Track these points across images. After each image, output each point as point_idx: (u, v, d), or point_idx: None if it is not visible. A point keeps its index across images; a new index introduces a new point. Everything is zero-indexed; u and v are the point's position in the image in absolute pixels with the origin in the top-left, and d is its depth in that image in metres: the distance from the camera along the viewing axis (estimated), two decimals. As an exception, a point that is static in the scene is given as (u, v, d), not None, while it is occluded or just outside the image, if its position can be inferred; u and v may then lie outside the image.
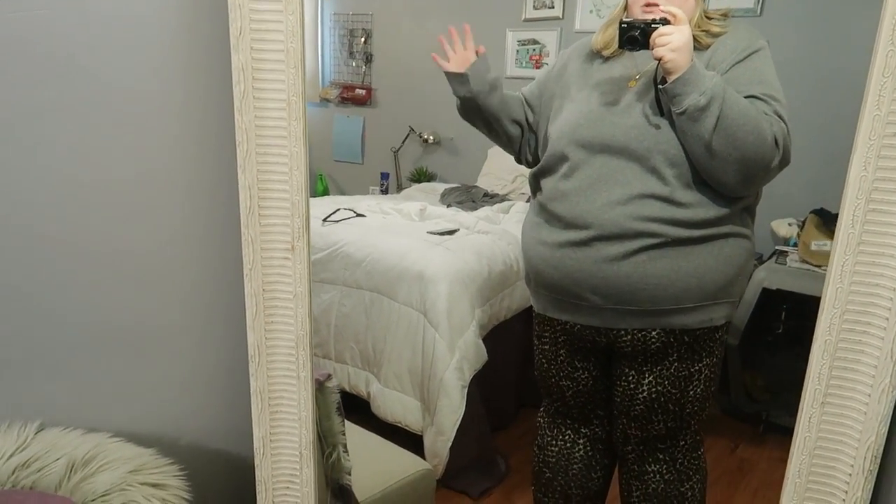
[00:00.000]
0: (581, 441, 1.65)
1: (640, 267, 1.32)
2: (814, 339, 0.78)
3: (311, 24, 4.58)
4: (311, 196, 4.37)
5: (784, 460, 0.91)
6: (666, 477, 1.53)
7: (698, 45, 1.32)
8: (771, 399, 2.61)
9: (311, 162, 4.36)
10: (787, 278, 2.46)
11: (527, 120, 1.61)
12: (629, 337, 1.41)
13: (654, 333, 1.38)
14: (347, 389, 2.41)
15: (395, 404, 2.26)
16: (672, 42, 1.20)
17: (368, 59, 4.46)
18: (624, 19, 1.28)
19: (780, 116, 1.29)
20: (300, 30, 0.81)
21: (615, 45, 1.37)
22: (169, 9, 0.87)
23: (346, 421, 1.35)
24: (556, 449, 1.68)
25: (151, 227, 0.94)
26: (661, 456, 1.53)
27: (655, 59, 1.23)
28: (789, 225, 2.81)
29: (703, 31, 1.35)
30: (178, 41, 0.90)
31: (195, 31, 0.89)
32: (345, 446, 1.33)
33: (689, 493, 1.55)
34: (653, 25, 1.23)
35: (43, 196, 0.89)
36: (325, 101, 4.65)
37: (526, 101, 1.62)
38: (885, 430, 0.77)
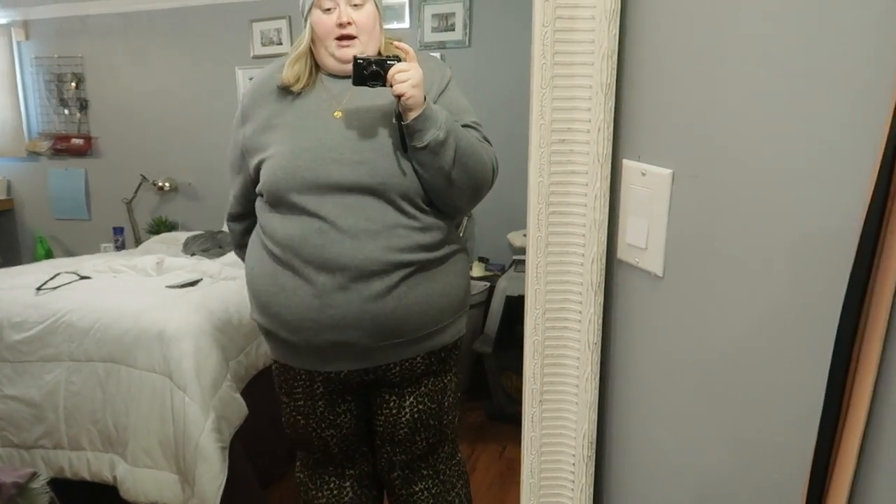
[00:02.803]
0: (348, 484, 1.60)
1: (402, 298, 1.31)
2: (524, 342, 0.81)
3: (8, 70, 4.02)
4: (31, 261, 3.82)
5: None
6: (433, 491, 1.55)
7: None
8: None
9: (26, 223, 3.83)
10: (524, 284, 2.68)
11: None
12: (398, 368, 1.40)
13: (419, 359, 1.42)
14: (88, 478, 2.10)
15: (147, 483, 2.02)
16: (412, 78, 1.22)
17: (83, 105, 4.04)
18: (358, 56, 1.26)
19: (487, 140, 1.42)
20: None
21: (304, 79, 1.37)
22: None
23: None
24: (324, 500, 1.61)
25: None
26: (425, 472, 1.54)
27: (396, 95, 1.23)
28: (524, 236, 3.06)
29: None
30: None
31: None
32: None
33: (457, 500, 1.59)
34: (388, 62, 1.25)
35: None
36: (34, 154, 4.10)
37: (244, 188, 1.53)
38: (594, 415, 0.82)
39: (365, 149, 1.30)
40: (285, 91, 1.38)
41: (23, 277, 2.48)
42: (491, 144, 1.43)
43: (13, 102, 4.05)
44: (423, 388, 1.45)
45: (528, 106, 0.75)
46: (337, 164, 1.29)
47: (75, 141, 4.04)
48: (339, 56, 1.33)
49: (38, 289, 2.33)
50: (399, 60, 1.26)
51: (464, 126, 1.36)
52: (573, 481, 0.83)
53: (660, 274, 0.74)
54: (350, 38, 1.33)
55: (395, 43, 1.35)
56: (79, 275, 2.50)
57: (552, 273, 0.80)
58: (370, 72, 1.24)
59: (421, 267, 1.33)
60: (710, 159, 0.67)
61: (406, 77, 1.22)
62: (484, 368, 2.75)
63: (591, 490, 0.84)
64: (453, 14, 3.19)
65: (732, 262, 0.64)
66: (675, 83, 0.70)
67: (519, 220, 3.06)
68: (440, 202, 1.36)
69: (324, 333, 1.31)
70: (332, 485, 1.60)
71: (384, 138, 1.31)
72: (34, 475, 1.05)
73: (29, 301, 2.24)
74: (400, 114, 1.27)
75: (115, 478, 2.05)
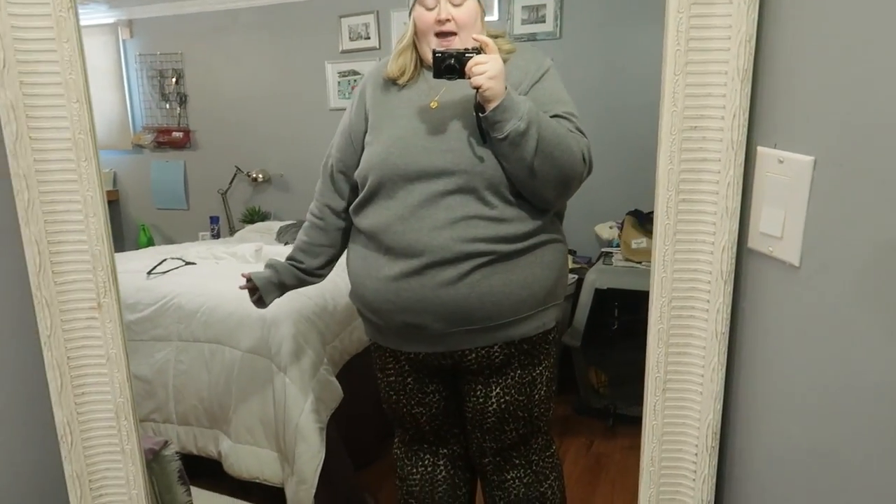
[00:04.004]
0: (441, 463, 1.63)
1: (475, 287, 1.33)
2: (648, 330, 0.81)
3: (115, 68, 4.27)
4: (134, 248, 4.06)
5: (634, 448, 0.94)
6: (525, 481, 1.56)
7: None
8: (616, 392, 2.77)
9: (130, 212, 4.07)
10: (614, 277, 2.64)
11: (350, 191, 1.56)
12: (473, 355, 1.42)
13: (496, 348, 1.41)
14: (195, 452, 2.21)
15: (249, 459, 2.11)
16: (489, 70, 1.23)
17: (183, 100, 4.23)
18: (437, 49, 1.29)
19: (581, 132, 1.38)
20: (79, 59, 0.72)
21: (409, 72, 1.41)
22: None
23: (192, 489, 1.23)
24: (418, 477, 1.65)
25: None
26: (517, 461, 1.55)
27: (473, 87, 1.24)
28: (610, 228, 3.02)
29: (503, 51, 1.42)
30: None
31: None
32: (191, 518, 1.20)
33: (549, 493, 1.58)
34: (467, 55, 1.26)
35: None
36: (138, 147, 4.34)
37: (342, 172, 1.55)
38: (720, 406, 0.81)
39: (452, 138, 1.33)
40: (392, 83, 1.44)
41: (132, 263, 2.63)
42: (585, 136, 1.39)
43: (120, 98, 4.30)
44: (509, 380, 1.46)
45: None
46: (425, 152, 1.33)
47: (175, 134, 4.24)
48: (475, 39, 1.35)
49: (149, 273, 2.47)
50: (479, 52, 1.27)
51: (554, 116, 1.34)
52: (695, 472, 0.82)
53: (796, 264, 0.72)
54: (449, 34, 1.36)
55: (475, 35, 1.34)
56: (184, 261, 2.64)
57: (679, 262, 0.79)
58: (446, 65, 1.27)
59: (499, 257, 1.34)
60: (857, 147, 0.65)
61: (483, 69, 1.23)
62: (572, 361, 2.73)
63: (714, 481, 0.83)
64: (544, 5, 3.16)
65: (877, 254, 0.62)
66: (820, 68, 0.68)
67: (605, 212, 3.04)
68: (527, 193, 1.34)
69: (400, 315, 1.38)
70: (426, 462, 1.64)
71: (472, 129, 1.33)
72: (166, 443, 1.12)
73: (141, 284, 2.38)
74: (481, 107, 1.27)
75: (219, 453, 2.16)
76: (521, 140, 1.25)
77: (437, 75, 1.29)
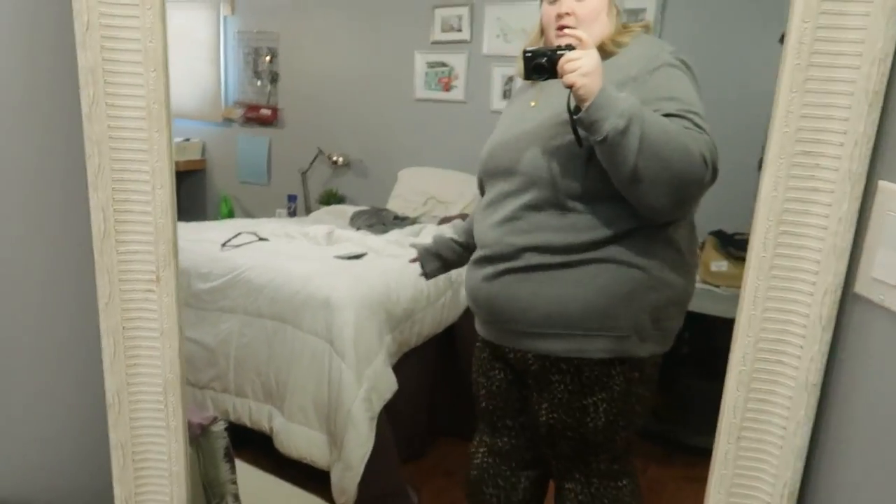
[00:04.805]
0: (491, 459, 1.62)
1: (505, 288, 1.33)
2: (728, 369, 0.74)
3: (213, 42, 4.40)
4: (216, 218, 4.19)
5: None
6: (580, 498, 1.49)
7: (602, 53, 1.28)
8: (677, 418, 2.64)
9: (215, 184, 4.18)
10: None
11: None
12: (512, 355, 1.43)
13: (530, 356, 1.38)
14: (248, 425, 2.25)
15: (299, 439, 2.12)
16: (582, 67, 1.14)
17: (274, 78, 4.32)
18: (527, 48, 1.23)
19: (701, 129, 1.24)
20: (161, 27, 0.70)
21: None
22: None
23: (239, 462, 1.23)
24: (478, 460, 1.65)
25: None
26: (577, 475, 1.49)
27: (566, 86, 1.17)
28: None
29: (613, 42, 1.33)
30: (15, 35, 0.76)
31: (36, 25, 0.77)
32: (235, 496, 1.20)
33: None
34: (559, 52, 1.18)
35: None
36: (228, 120, 4.46)
37: None
38: (801, 465, 0.73)
39: (530, 137, 1.31)
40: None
41: (210, 233, 2.70)
42: (709, 136, 1.24)
43: (215, 72, 4.43)
44: (556, 399, 1.39)
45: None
46: (506, 150, 1.35)
47: (264, 111, 4.34)
48: (569, 35, 1.29)
49: (223, 245, 2.52)
50: (572, 49, 1.19)
51: (666, 115, 1.22)
52: (764, 531, 0.75)
53: (911, 317, 0.63)
54: (568, 27, 1.31)
55: (568, 31, 1.28)
56: (258, 236, 2.68)
57: (773, 300, 0.71)
58: (535, 64, 1.21)
59: (535, 267, 1.29)
60: None
61: (576, 66, 1.15)
62: (634, 381, 2.63)
63: (784, 545, 0.75)
64: (644, 9, 3.04)
65: None
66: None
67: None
68: (635, 203, 1.22)
69: (469, 299, 1.48)
70: (480, 451, 1.64)
71: (552, 129, 1.29)
72: (215, 419, 1.12)
73: (215, 255, 2.43)
74: (576, 107, 1.19)
75: (271, 429, 2.18)
76: (620, 139, 1.13)
77: (527, 76, 1.24)
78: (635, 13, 3.07)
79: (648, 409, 1.44)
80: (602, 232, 1.26)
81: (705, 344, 2.57)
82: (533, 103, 1.34)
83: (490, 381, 1.54)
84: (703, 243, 2.68)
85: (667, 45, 1.36)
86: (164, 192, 0.75)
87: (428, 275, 1.70)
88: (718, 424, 0.75)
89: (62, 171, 0.81)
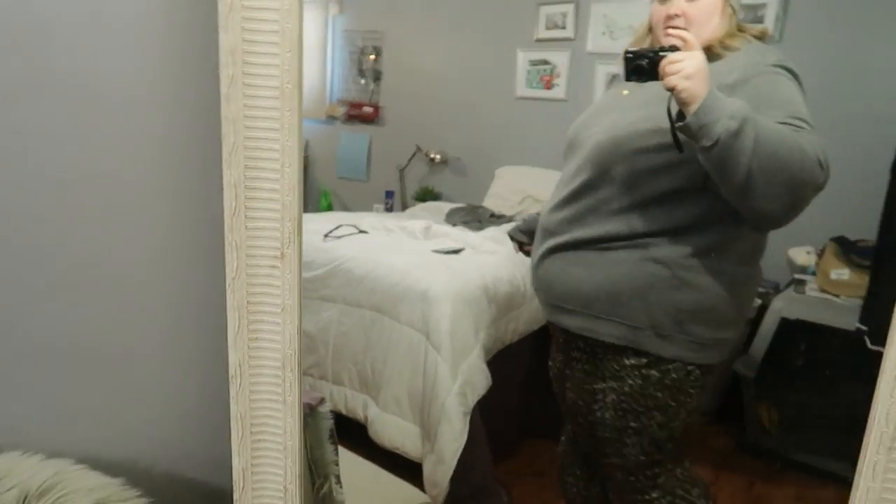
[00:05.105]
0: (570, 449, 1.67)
1: (548, 264, 1.40)
2: (880, 374, 0.68)
3: (320, 41, 4.54)
4: (315, 211, 4.33)
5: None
6: (609, 497, 1.54)
7: (708, 55, 1.26)
8: (787, 434, 2.48)
9: (316, 178, 4.32)
10: (806, 308, 2.36)
11: None
12: (559, 331, 1.48)
13: (579, 340, 1.42)
14: (344, 413, 2.30)
15: (393, 430, 2.15)
16: (685, 69, 1.09)
17: (377, 76, 4.41)
18: (629, 48, 1.20)
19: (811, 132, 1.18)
20: (297, 9, 0.72)
21: None
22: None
23: (339, 448, 1.24)
24: (561, 448, 1.70)
25: (120, 228, 0.84)
26: (617, 475, 1.46)
27: (667, 89, 1.12)
28: (807, 253, 2.70)
29: (722, 44, 1.29)
30: (156, 17, 0.80)
31: (177, 6, 0.80)
32: (338, 477, 1.22)
33: None
34: (661, 53, 1.14)
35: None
36: (331, 118, 4.59)
37: None
38: (962, 483, 0.66)
39: (609, 123, 1.32)
40: None
41: (312, 224, 2.78)
42: (818, 137, 1.16)
43: (321, 70, 4.57)
44: (575, 378, 1.45)
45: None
46: (583, 131, 1.38)
47: (366, 109, 4.44)
48: (673, 35, 1.25)
49: (326, 236, 2.59)
50: (676, 50, 1.14)
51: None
52: (914, 556, 0.68)
53: None
54: (677, 27, 1.27)
55: (671, 31, 1.23)
56: (358, 228, 2.74)
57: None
58: (634, 66, 1.17)
59: (568, 245, 1.35)
60: None
61: (677, 68, 1.09)
62: (739, 391, 2.50)
63: (936, 573, 0.68)
64: (764, 5, 2.88)
65: None
66: None
67: (803, 235, 2.72)
68: (743, 208, 1.16)
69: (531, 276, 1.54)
70: (562, 439, 1.70)
71: (631, 116, 1.29)
72: (322, 400, 1.14)
73: (318, 245, 2.50)
74: (679, 113, 1.13)
75: (366, 418, 2.22)
76: (733, 141, 1.06)
77: (627, 77, 1.20)
78: (754, 9, 2.92)
79: (678, 427, 1.35)
80: (639, 225, 1.27)
81: (822, 356, 2.41)
82: (626, 92, 1.33)
83: (554, 363, 1.59)
84: (823, 250, 2.52)
85: (775, 52, 1.29)
86: (292, 171, 0.77)
87: (522, 245, 1.70)
88: (867, 432, 0.69)
89: (197, 149, 0.85)
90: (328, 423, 1.20)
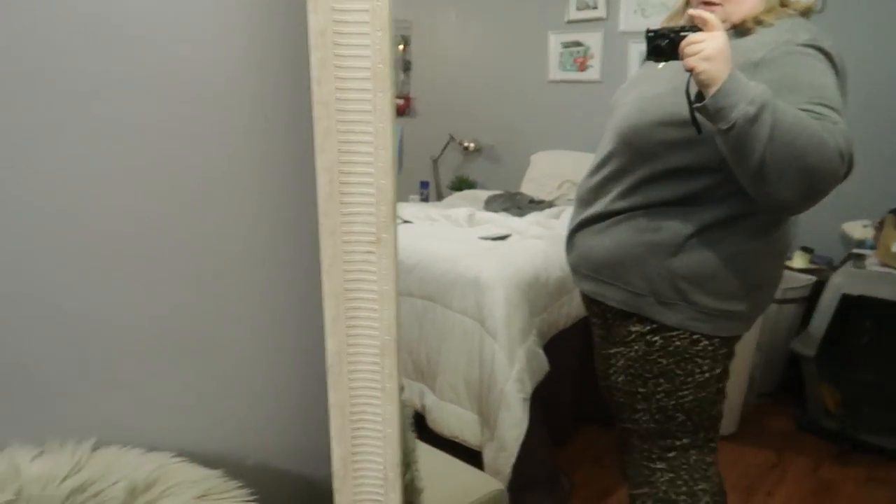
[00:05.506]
0: None
1: (573, 236, 1.46)
2: None
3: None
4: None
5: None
6: (623, 460, 1.57)
7: (740, 32, 1.25)
8: (850, 414, 2.42)
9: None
10: (867, 284, 2.29)
11: None
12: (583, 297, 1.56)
13: (595, 306, 1.49)
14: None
15: (451, 417, 2.14)
16: (704, 50, 1.07)
17: (407, 67, 4.39)
18: (650, 28, 1.17)
19: (835, 122, 1.12)
20: (390, -16, 0.70)
21: None
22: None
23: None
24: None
25: (212, 219, 0.83)
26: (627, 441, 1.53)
27: (686, 70, 1.10)
28: (864, 227, 2.63)
29: (755, 20, 1.25)
30: (242, 4, 0.79)
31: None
32: (416, 465, 1.21)
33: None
34: (681, 34, 1.11)
35: (87, 186, 0.78)
36: (362, 109, 4.58)
37: None
38: None
39: (637, 94, 1.34)
40: None
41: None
42: (841, 127, 1.11)
43: (350, 63, 4.56)
44: (595, 344, 1.55)
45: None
46: (618, 103, 1.40)
47: (397, 101, 4.42)
48: (693, 16, 1.22)
49: (370, 227, 2.59)
50: (697, 30, 1.11)
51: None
52: None
53: None
54: (712, 3, 1.26)
55: (690, 11, 1.18)
56: (402, 219, 2.73)
57: None
58: (653, 46, 1.15)
59: (593, 218, 1.37)
60: None
61: (697, 49, 1.07)
62: (799, 370, 2.44)
63: None
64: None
65: None
66: None
67: (859, 208, 2.65)
68: (755, 193, 1.14)
69: None
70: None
71: (659, 89, 1.29)
72: (402, 388, 1.13)
73: (364, 237, 2.50)
74: (698, 94, 1.11)
75: (423, 406, 2.22)
76: (750, 127, 1.04)
77: (647, 56, 1.18)
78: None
79: (688, 398, 1.34)
80: (650, 196, 1.30)
81: (889, 333, 2.35)
82: (661, 65, 1.28)
83: (593, 340, 1.63)
84: (882, 222, 2.45)
85: (809, 29, 1.22)
86: (385, 154, 0.76)
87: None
88: None
89: (290, 134, 0.84)
90: (409, 411, 1.19)
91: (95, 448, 0.87)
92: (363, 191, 0.76)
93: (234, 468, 0.87)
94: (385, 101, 0.74)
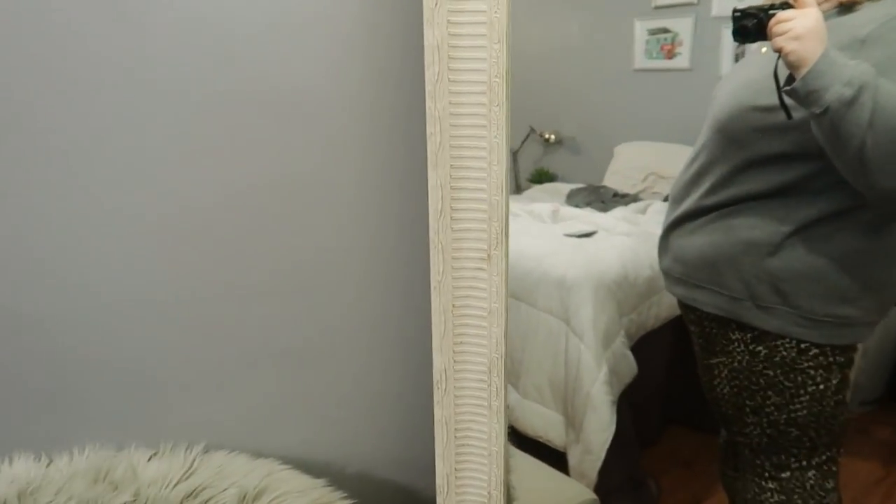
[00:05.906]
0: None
1: (668, 234, 1.39)
2: None
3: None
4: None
5: None
6: (737, 477, 1.50)
7: (842, 9, 1.15)
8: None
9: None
10: None
11: None
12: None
13: (691, 313, 1.40)
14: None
15: (535, 417, 2.12)
16: (794, 29, 0.99)
17: (485, 56, 4.34)
18: (737, 7, 1.10)
19: None
20: (510, -4, 0.68)
21: None
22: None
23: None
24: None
25: (325, 232, 0.84)
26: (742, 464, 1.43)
27: (775, 50, 1.03)
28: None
29: None
30: (356, 17, 0.79)
31: (378, 4, 0.78)
32: (511, 476, 1.20)
33: None
34: (770, 12, 1.04)
35: (211, 201, 0.80)
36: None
37: None
38: None
39: (735, 81, 1.26)
40: None
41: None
42: None
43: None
44: (696, 354, 1.44)
45: None
46: (718, 92, 1.32)
47: (476, 90, 4.39)
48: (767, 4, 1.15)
49: (453, 222, 2.58)
50: (788, 8, 1.03)
51: None
52: None
53: None
54: None
55: None
56: (484, 214, 2.71)
57: None
58: (739, 26, 1.08)
59: (686, 216, 1.31)
60: None
61: (785, 28, 0.99)
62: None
63: None
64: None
65: None
66: None
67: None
68: (855, 181, 1.05)
69: None
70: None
71: (756, 74, 1.19)
72: (507, 405, 1.11)
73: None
74: (790, 76, 1.03)
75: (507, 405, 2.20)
76: (846, 111, 0.96)
77: (733, 38, 1.12)
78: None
79: (802, 413, 1.24)
80: (743, 188, 1.21)
81: None
82: (764, 49, 1.22)
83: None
84: None
85: None
86: (499, 169, 0.74)
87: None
88: None
89: (401, 150, 0.83)
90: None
91: (205, 452, 0.90)
92: (475, 206, 0.74)
93: (336, 477, 0.88)
94: (501, 116, 0.72)
